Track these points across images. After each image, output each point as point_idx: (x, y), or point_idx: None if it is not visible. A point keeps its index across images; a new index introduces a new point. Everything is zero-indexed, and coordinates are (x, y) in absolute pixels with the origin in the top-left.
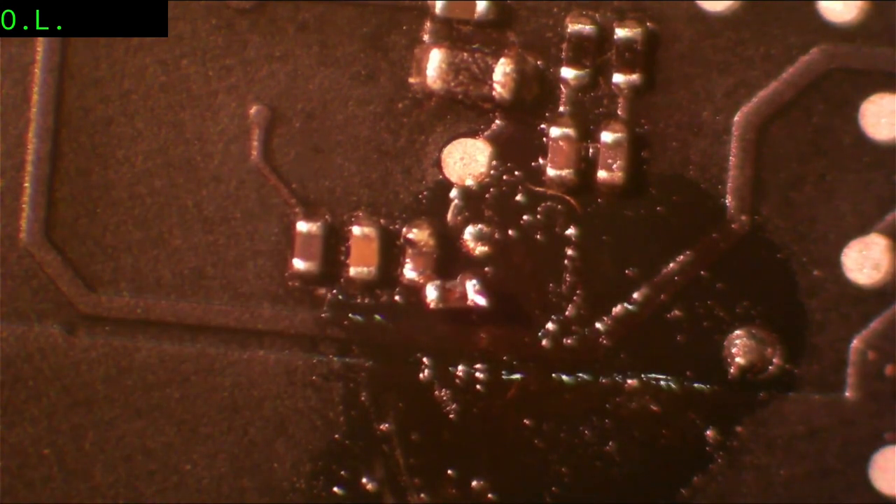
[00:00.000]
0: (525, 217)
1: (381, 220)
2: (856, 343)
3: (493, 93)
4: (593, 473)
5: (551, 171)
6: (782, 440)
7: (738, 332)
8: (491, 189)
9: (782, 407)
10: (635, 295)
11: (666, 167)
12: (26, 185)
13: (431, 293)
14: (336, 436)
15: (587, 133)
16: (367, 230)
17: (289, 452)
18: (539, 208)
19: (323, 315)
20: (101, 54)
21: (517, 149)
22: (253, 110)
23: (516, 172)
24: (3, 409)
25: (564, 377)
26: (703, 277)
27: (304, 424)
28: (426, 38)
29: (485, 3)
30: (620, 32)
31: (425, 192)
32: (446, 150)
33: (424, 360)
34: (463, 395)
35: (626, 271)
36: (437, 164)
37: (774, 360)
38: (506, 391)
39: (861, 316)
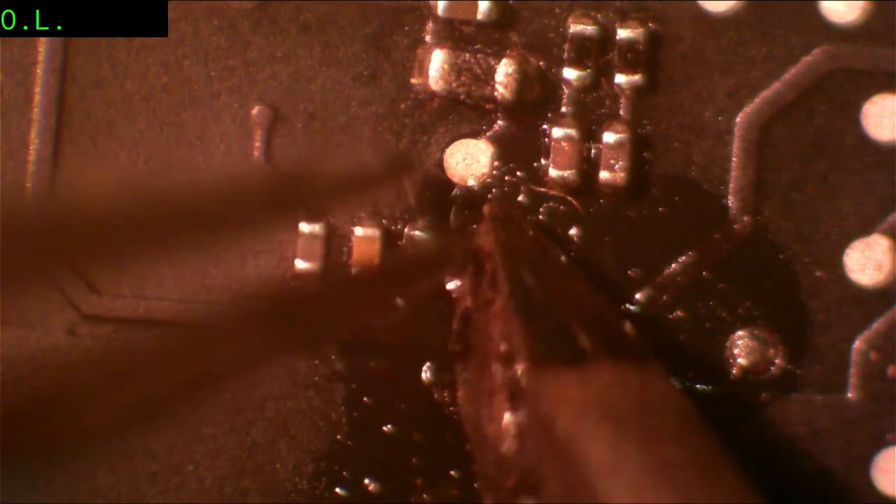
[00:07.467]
0: (527, 217)
1: (384, 221)
2: (858, 344)
3: (496, 93)
4: None
5: (553, 172)
6: (784, 441)
7: (740, 332)
8: (493, 189)
9: (784, 408)
10: (637, 296)
11: (668, 168)
12: (28, 185)
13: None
14: (338, 437)
15: (589, 134)
16: (370, 231)
17: (291, 453)
18: (541, 209)
19: None
20: (103, 55)
21: (519, 149)
22: (255, 111)
23: (518, 173)
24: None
25: None
26: (706, 278)
27: (307, 425)
28: (428, 38)
29: (487, 3)
30: (622, 33)
31: (427, 193)
32: (448, 151)
33: (427, 360)
34: None
35: (628, 272)
36: (439, 164)
37: (776, 361)
38: None
39: (863, 317)
